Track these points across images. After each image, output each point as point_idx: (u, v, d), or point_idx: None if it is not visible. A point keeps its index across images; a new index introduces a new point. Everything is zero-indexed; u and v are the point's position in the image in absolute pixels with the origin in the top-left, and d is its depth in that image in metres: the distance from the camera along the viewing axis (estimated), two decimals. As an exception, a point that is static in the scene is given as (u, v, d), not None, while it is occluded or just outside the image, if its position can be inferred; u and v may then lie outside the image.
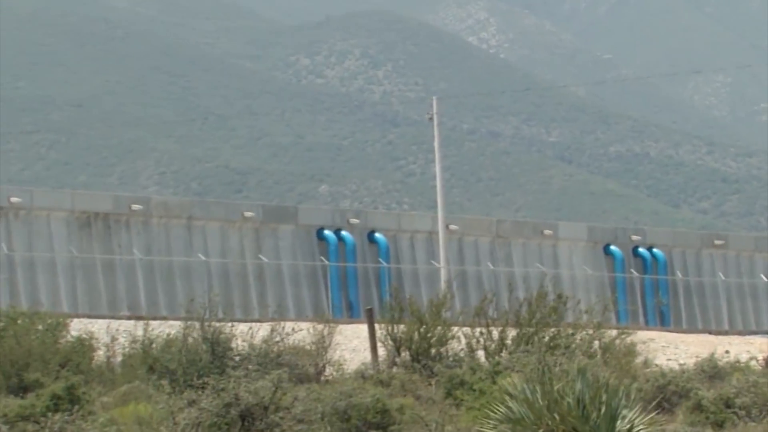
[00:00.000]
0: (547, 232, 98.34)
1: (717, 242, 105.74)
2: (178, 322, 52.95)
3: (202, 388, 37.67)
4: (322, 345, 50.45)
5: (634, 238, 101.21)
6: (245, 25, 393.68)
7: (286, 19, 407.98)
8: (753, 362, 49.91)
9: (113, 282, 79.85)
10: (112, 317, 66.14)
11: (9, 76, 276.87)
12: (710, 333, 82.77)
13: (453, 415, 37.30)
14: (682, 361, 56.30)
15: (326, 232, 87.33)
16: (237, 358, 47.25)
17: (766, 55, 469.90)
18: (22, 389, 43.34)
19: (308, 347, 50.01)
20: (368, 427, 34.70)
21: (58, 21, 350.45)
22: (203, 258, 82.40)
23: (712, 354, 52.67)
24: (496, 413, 29.53)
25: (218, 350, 47.61)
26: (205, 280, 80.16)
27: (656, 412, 32.36)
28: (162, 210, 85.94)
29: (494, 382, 37.79)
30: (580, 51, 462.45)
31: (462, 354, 50.29)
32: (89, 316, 63.88)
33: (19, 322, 49.36)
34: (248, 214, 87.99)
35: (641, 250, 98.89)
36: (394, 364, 50.32)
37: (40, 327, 49.36)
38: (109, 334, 53.28)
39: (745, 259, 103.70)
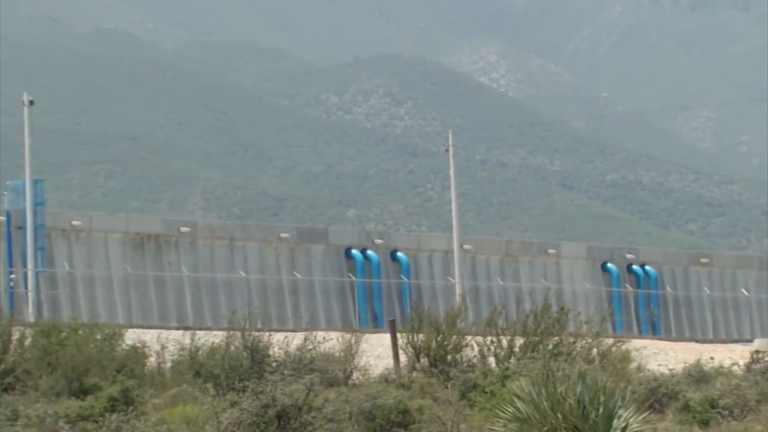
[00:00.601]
0: (550, 251, 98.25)
1: (703, 260, 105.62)
2: (221, 332, 53.05)
3: (243, 390, 37.65)
4: (349, 352, 50.44)
5: (628, 256, 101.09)
6: (282, 66, 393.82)
7: (319, 61, 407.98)
8: (735, 367, 49.77)
9: (163, 296, 79.87)
10: (163, 328, 66.08)
11: (71, 113, 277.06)
12: (696, 341, 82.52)
13: (467, 414, 37.27)
14: (671, 367, 56.19)
15: (353, 251, 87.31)
16: (274, 364, 47.22)
17: (747, 94, 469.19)
18: (82, 392, 43.27)
19: (337, 354, 50.01)
20: (391, 426, 34.63)
21: (115, 63, 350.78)
22: (243, 275, 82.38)
23: (698, 360, 52.55)
24: (505, 413, 29.52)
25: (257, 357, 47.61)
26: (245, 295, 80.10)
27: (648, 412, 32.33)
28: (207, 232, 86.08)
29: (504, 386, 37.75)
30: (581, 89, 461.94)
31: (475, 360, 50.23)
32: (142, 327, 63.81)
33: (79, 332, 49.39)
34: (284, 235, 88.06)
35: (635, 267, 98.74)
36: (414, 369, 50.29)
37: (98, 336, 49.39)
38: (160, 343, 53.25)
39: (728, 276, 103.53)
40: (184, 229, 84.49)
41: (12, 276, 73.07)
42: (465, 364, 49.63)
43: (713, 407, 37.86)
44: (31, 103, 73.80)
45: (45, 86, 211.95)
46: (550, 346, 48.89)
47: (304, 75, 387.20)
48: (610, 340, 54.98)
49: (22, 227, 72.32)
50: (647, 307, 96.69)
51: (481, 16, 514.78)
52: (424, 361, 50.92)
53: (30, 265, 71.95)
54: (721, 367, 50.28)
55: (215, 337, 51.57)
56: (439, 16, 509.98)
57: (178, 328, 65.10)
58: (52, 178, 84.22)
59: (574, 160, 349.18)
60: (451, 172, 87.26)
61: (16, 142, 76.43)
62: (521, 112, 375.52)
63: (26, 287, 71.86)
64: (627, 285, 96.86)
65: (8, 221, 73.60)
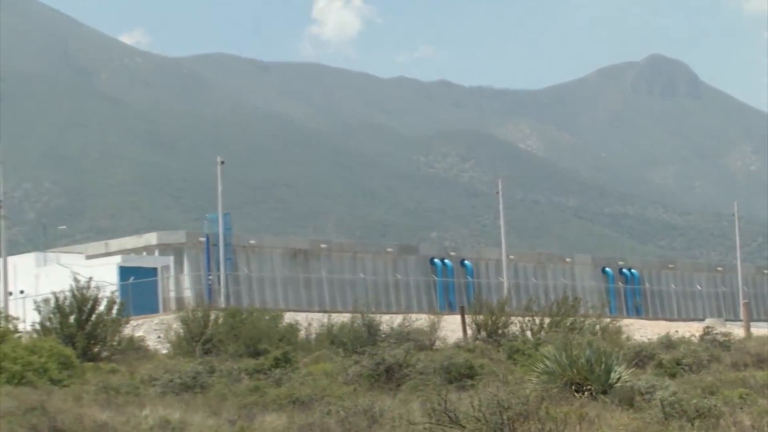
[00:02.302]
0: (567, 259, 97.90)
1: (670, 266, 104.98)
2: (348, 314, 52.90)
3: (362, 353, 37.53)
4: (433, 328, 50.21)
5: (620, 263, 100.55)
6: (386, 136, 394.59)
7: (411, 133, 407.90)
8: (692, 338, 49.16)
9: (309, 290, 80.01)
10: (309, 311, 66.14)
11: (242, 167, 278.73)
12: (666, 320, 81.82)
13: (512, 369, 36.98)
14: (649, 337, 55.68)
15: (435, 260, 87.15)
16: (383, 335, 47.12)
17: (698, 153, 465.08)
18: (256, 354, 43.23)
19: (425, 329, 49.87)
20: (461, 377, 34.32)
21: (277, 134, 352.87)
22: (362, 276, 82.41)
23: (668, 333, 52.09)
24: (537, 369, 29.31)
25: (372, 331, 47.53)
26: (364, 289, 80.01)
27: (634, 367, 32.00)
28: (338, 247, 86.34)
29: (537, 350, 37.42)
30: (586, 150, 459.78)
31: (517, 333, 49.93)
32: (295, 311, 63.96)
33: (254, 314, 49.44)
34: (389, 249, 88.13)
35: (624, 270, 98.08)
36: (477, 339, 50.06)
37: (266, 317, 49.43)
38: (307, 322, 53.20)
39: (687, 276, 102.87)
40: (323, 245, 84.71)
41: (210, 277, 73.48)
42: (510, 336, 49.40)
43: (678, 364, 37.43)
44: (222, 162, 74.23)
45: (230, 149, 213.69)
46: (568, 324, 48.53)
47: (402, 142, 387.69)
48: (608, 320, 54.69)
49: (216, 245, 72.75)
50: (633, 297, 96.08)
51: (519, 104, 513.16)
52: (483, 333, 50.72)
53: (221, 270, 72.29)
54: (683, 337, 49.75)
55: (344, 318, 51.52)
56: (491, 103, 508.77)
57: (319, 312, 65.21)
58: (235, 212, 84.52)
59: (582, 199, 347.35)
60: (501, 207, 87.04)
61: (212, 188, 76.80)
62: (546, 167, 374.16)
63: (219, 284, 72.18)
64: (619, 282, 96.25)
65: (207, 241, 74.19)
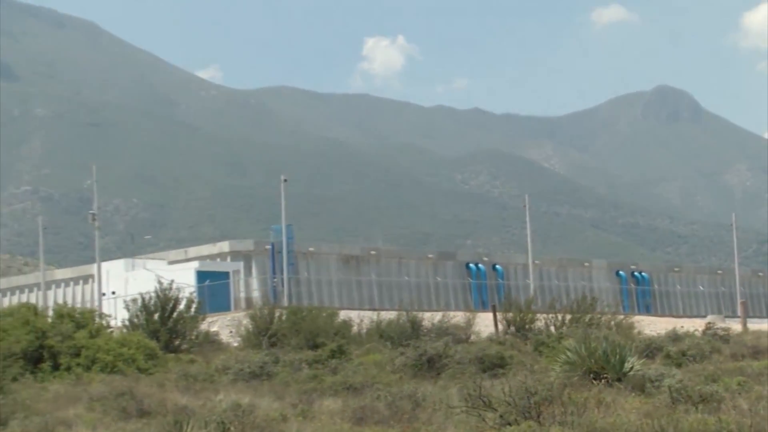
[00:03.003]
0: (585, 264, 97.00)
1: (675, 269, 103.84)
2: (394, 312, 52.70)
3: (407, 346, 37.45)
4: (468, 324, 49.98)
5: (632, 266, 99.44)
6: (427, 158, 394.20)
7: (449, 154, 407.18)
8: (696, 332, 48.69)
9: (360, 291, 79.82)
10: (360, 309, 66.10)
11: (302, 185, 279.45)
12: (673, 317, 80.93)
13: (538, 360, 36.76)
14: (658, 332, 55.08)
15: (470, 264, 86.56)
16: (425, 330, 46.95)
17: (700, 171, 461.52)
18: (314, 347, 43.25)
19: (461, 325, 49.66)
20: (494, 366, 34.15)
21: (325, 151, 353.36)
22: (407, 278, 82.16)
23: (674, 328, 51.52)
24: (560, 359, 29.09)
25: (415, 326, 47.37)
26: (408, 290, 79.65)
27: (645, 358, 31.70)
28: (386, 254, 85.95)
29: (559, 343, 37.14)
30: (602, 170, 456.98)
31: (542, 328, 49.57)
32: (349, 309, 63.78)
33: (312, 312, 49.46)
34: (430, 255, 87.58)
35: (636, 273, 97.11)
36: (507, 333, 49.75)
37: (324, 315, 49.40)
38: (359, 318, 53.13)
39: (691, 278, 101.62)
40: (372, 252, 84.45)
41: (275, 280, 73.43)
42: (536, 330, 49.05)
43: (683, 355, 37.04)
44: (285, 180, 74.33)
45: (292, 169, 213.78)
46: (587, 320, 48.17)
47: (441, 162, 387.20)
48: (622, 316, 54.24)
49: (280, 252, 72.78)
50: (643, 297, 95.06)
51: (542, 128, 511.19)
52: (512, 328, 50.36)
53: (284, 273, 72.31)
54: (688, 332, 49.23)
55: (391, 315, 51.32)
56: (518, 128, 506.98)
57: (369, 310, 65.13)
58: (297, 223, 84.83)
59: (598, 211, 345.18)
60: (527, 219, 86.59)
61: (276, 202, 76.96)
62: (566, 183, 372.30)
63: (282, 286, 72.19)
64: (631, 284, 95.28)
65: (272, 248, 74.17)
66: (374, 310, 62.78)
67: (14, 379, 31.98)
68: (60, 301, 66.06)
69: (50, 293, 77.44)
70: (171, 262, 76.06)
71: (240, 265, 74.75)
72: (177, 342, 45.28)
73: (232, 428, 20.60)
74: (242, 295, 73.48)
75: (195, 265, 73.04)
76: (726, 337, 46.21)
